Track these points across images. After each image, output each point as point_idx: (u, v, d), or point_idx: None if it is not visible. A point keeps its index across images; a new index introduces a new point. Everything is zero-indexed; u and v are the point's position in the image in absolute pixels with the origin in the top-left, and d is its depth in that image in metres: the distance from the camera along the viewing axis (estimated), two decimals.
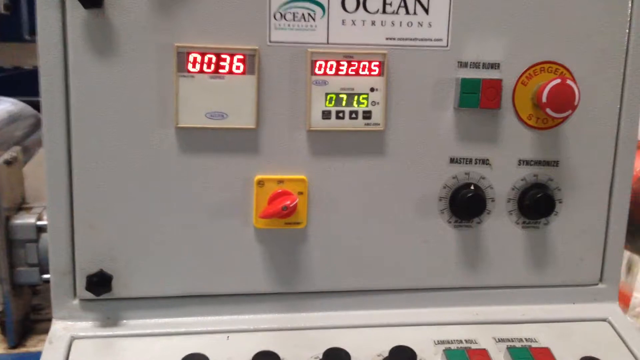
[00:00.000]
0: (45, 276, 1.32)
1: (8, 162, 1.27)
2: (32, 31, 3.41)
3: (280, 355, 0.67)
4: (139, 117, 0.69)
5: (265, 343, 0.69)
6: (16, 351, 1.30)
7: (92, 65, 0.67)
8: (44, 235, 1.29)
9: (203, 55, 0.68)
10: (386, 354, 0.69)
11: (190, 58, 0.68)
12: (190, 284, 0.73)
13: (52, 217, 0.70)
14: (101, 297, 0.71)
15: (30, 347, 1.32)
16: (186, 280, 0.73)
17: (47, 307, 1.41)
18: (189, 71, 0.68)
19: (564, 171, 0.76)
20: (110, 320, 0.72)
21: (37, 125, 2.43)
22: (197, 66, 0.68)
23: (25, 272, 1.29)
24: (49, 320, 1.41)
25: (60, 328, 0.71)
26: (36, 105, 2.54)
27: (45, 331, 1.37)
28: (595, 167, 0.77)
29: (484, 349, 0.72)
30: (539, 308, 0.79)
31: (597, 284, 0.81)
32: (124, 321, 0.72)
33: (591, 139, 0.76)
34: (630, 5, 0.73)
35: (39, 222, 1.29)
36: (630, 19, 0.74)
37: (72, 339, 0.70)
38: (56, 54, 0.67)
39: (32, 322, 1.37)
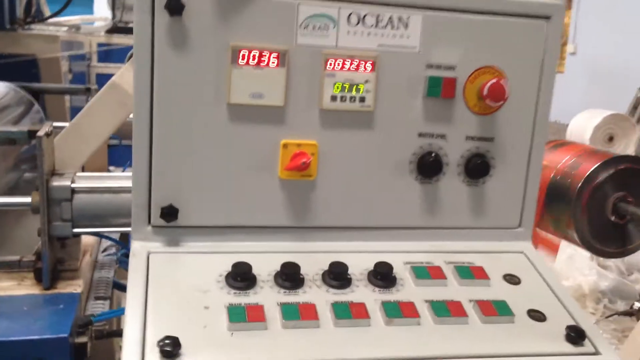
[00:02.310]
0: (76, 230, 1.56)
1: (48, 134, 1.51)
2: (13, 20, 3.55)
3: (299, 266, 0.96)
4: (202, 95, 0.96)
5: (287, 259, 0.98)
6: (49, 292, 1.54)
7: (171, 57, 0.94)
8: (76, 196, 1.54)
9: (249, 52, 0.96)
10: (372, 267, 0.99)
11: (241, 54, 0.96)
12: (233, 218, 1.01)
13: (136, 166, 0.96)
14: (169, 224, 0.98)
15: (60, 289, 1.56)
16: (230, 215, 1.00)
17: (69, 260, 1.65)
18: (238, 63, 0.96)
19: (497, 145, 1.07)
20: (175, 242, 0.99)
21: (29, 107, 2.63)
22: (245, 60, 0.96)
23: (60, 226, 1.52)
24: (72, 270, 1.67)
25: (138, 246, 0.98)
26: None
27: (69, 278, 1.62)
28: (518, 143, 1.08)
29: (438, 266, 1.02)
30: (476, 243, 1.09)
31: (517, 228, 1.12)
32: (185, 243, 0.99)
33: (516, 122, 1.07)
34: (545, 29, 1.05)
35: (72, 184, 1.53)
36: (546, 37, 1.05)
37: (149, 253, 0.97)
38: (146, 48, 0.93)
39: (58, 271, 1.60)
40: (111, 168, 2.88)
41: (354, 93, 1.00)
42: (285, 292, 0.93)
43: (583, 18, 13.03)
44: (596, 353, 0.92)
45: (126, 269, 2.24)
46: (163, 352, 0.80)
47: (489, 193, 1.08)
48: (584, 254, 3.88)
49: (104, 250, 2.08)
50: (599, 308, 4.60)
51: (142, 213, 0.98)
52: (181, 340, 0.81)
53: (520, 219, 1.11)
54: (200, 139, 0.97)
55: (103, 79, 5.01)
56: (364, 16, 0.98)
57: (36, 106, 2.66)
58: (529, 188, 1.10)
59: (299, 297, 0.93)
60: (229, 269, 0.94)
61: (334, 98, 1.00)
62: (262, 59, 0.96)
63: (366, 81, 1.00)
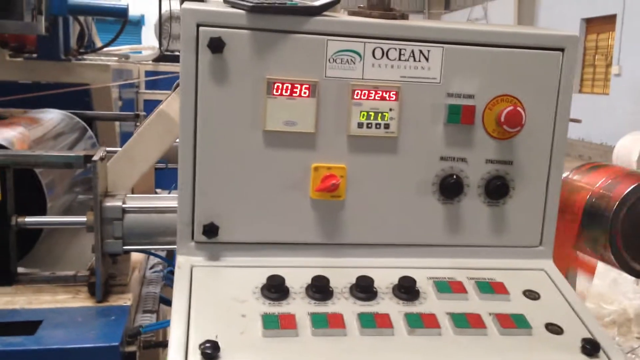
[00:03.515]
0: (126, 247, 1.68)
1: (102, 159, 1.64)
2: (67, 51, 3.77)
3: (329, 279, 1.04)
4: (240, 123, 1.06)
5: (318, 273, 1.06)
6: (102, 305, 1.65)
7: (213, 89, 1.05)
8: (127, 215, 1.66)
9: (283, 84, 1.06)
10: (396, 282, 1.06)
11: (275, 86, 1.06)
12: (268, 235, 1.10)
13: (182, 187, 1.07)
14: (211, 240, 1.08)
15: (111, 302, 1.67)
16: (266, 232, 1.10)
17: (119, 275, 1.77)
18: (273, 94, 1.06)
19: (516, 168, 1.14)
20: (215, 256, 1.09)
21: (83, 133, 2.80)
22: (279, 91, 1.06)
23: (112, 244, 1.65)
24: (122, 285, 1.79)
25: (183, 260, 1.07)
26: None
27: (120, 292, 1.74)
28: (537, 165, 1.14)
29: (460, 281, 1.09)
30: (497, 261, 1.15)
31: (537, 246, 1.18)
32: (225, 258, 1.09)
33: (534, 147, 1.14)
34: (560, 60, 1.12)
35: (124, 205, 1.66)
36: (561, 67, 1.12)
37: (192, 266, 1.07)
38: (191, 81, 1.04)
39: (110, 286, 1.72)
40: (158, 190, 3.03)
41: (379, 120, 1.08)
42: (315, 303, 1.01)
43: (627, 39, 12.87)
44: None
45: (171, 286, 2.36)
46: (204, 354, 0.89)
47: (509, 213, 1.15)
48: (628, 278, 3.84)
49: (152, 267, 2.21)
50: None
51: (186, 230, 1.08)
52: (220, 344, 0.90)
53: (541, 237, 1.17)
54: (239, 162, 1.07)
55: (150, 105, 5.23)
56: (388, 50, 1.07)
57: (89, 132, 2.84)
58: (548, 208, 1.16)
59: (327, 307, 1.01)
60: (264, 281, 1.03)
61: (360, 125, 1.08)
62: (295, 90, 1.06)
63: (390, 109, 1.08)
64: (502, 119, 1.08)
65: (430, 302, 1.04)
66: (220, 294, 1.02)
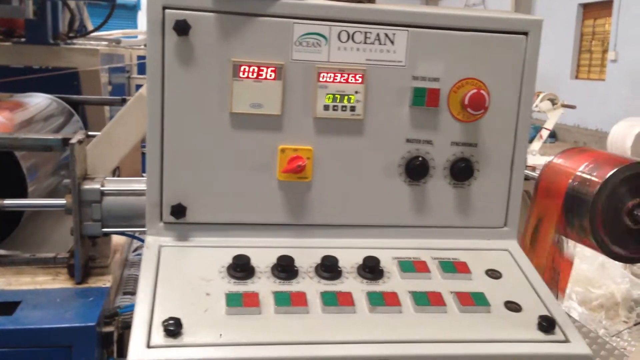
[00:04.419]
0: (105, 230, 1.70)
1: (80, 142, 1.65)
2: (56, 35, 3.76)
3: (294, 259, 1.06)
4: (207, 106, 1.07)
5: (284, 253, 1.08)
6: (81, 286, 1.67)
7: (179, 72, 1.06)
8: (105, 198, 1.67)
9: (249, 66, 1.07)
10: (361, 262, 1.08)
11: (241, 68, 1.07)
12: (235, 215, 1.12)
13: (150, 169, 1.08)
14: (179, 221, 1.10)
15: (91, 283, 1.69)
16: (233, 213, 1.11)
17: (99, 257, 1.78)
18: (239, 77, 1.07)
19: (480, 150, 1.15)
20: (183, 237, 1.10)
21: (69, 117, 2.80)
22: (245, 73, 1.07)
23: (90, 226, 1.66)
24: (102, 267, 1.80)
25: (151, 240, 1.09)
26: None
27: (100, 274, 1.75)
28: (501, 148, 1.16)
29: (424, 261, 1.11)
30: (463, 241, 1.17)
31: (502, 227, 1.20)
32: (193, 238, 1.11)
33: (498, 129, 1.15)
34: (524, 44, 1.13)
35: (102, 187, 1.67)
36: (525, 51, 1.13)
37: (160, 246, 1.08)
38: (158, 63, 1.05)
39: (89, 268, 1.74)
40: (144, 174, 3.03)
41: (345, 103, 1.10)
42: (280, 282, 1.03)
43: (624, 25, 12.82)
44: (566, 341, 0.99)
45: None
46: (167, 331, 0.91)
47: (474, 194, 1.17)
48: (616, 262, 3.88)
49: (134, 250, 2.23)
50: (631, 316, 4.55)
51: (155, 211, 1.09)
52: (183, 321, 0.92)
53: (506, 218, 1.19)
54: (206, 144, 1.08)
55: None
56: (353, 33, 1.08)
57: (76, 116, 2.84)
58: (513, 190, 1.18)
59: (292, 286, 1.03)
60: (231, 261, 1.05)
61: (326, 107, 1.10)
62: (261, 72, 1.07)
63: (356, 92, 1.10)
64: (467, 102, 1.10)
65: (394, 281, 1.06)
66: (187, 273, 1.04)
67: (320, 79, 1.09)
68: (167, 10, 1.04)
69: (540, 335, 0.99)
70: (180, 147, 1.08)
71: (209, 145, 1.09)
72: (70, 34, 3.90)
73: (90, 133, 1.87)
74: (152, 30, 1.04)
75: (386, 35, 1.09)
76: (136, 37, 6.84)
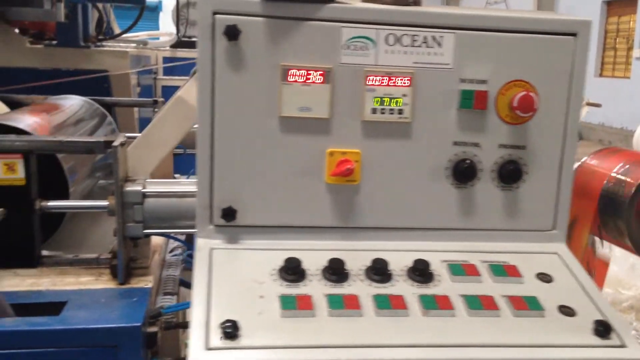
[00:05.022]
0: (146, 231, 1.72)
1: (122, 144, 1.67)
2: (86, 38, 3.81)
3: (345, 261, 1.06)
4: (256, 109, 1.08)
5: (333, 256, 1.08)
6: (123, 287, 1.70)
7: (229, 76, 1.07)
8: (147, 200, 1.69)
9: (298, 70, 1.07)
10: (411, 264, 1.09)
11: (290, 72, 1.08)
12: (285, 218, 1.12)
13: (200, 172, 1.09)
14: (229, 224, 1.11)
15: (133, 284, 1.72)
16: (282, 216, 1.12)
17: (140, 258, 1.81)
18: (288, 81, 1.08)
19: (529, 152, 1.15)
20: (234, 239, 1.12)
21: (103, 118, 2.84)
22: (294, 77, 1.08)
23: (133, 227, 1.68)
24: (143, 268, 1.83)
25: (202, 243, 1.11)
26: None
27: (141, 275, 1.78)
28: (550, 150, 1.15)
29: (473, 264, 1.11)
30: (511, 244, 1.17)
31: (550, 230, 1.19)
32: (243, 240, 1.12)
33: (547, 131, 1.14)
34: (573, 45, 1.12)
35: (144, 189, 1.69)
36: (574, 52, 1.13)
37: (211, 249, 1.10)
38: (208, 68, 1.06)
39: (131, 268, 1.76)
40: (176, 175, 3.07)
41: (392, 106, 1.10)
42: (331, 284, 1.04)
43: None
44: (622, 346, 0.98)
45: (190, 269, 2.40)
46: (225, 333, 0.92)
47: (523, 197, 1.16)
48: None
49: (171, 250, 2.25)
50: None
51: (205, 214, 1.11)
52: (240, 324, 0.93)
53: (554, 221, 1.18)
54: (255, 148, 1.09)
55: (168, 91, 5.26)
56: (401, 36, 1.09)
57: (109, 118, 2.88)
58: (561, 192, 1.17)
59: (343, 289, 1.03)
60: (282, 263, 1.06)
61: (374, 110, 1.10)
62: (309, 76, 1.08)
63: (403, 95, 1.10)
64: (515, 104, 1.09)
65: (444, 284, 1.06)
66: (239, 275, 1.05)
67: (368, 83, 1.09)
68: (217, 16, 1.05)
69: (596, 340, 0.98)
70: (230, 150, 1.09)
71: (259, 148, 1.09)
72: (100, 37, 3.95)
73: (126, 135, 1.90)
74: (203, 35, 1.05)
75: (433, 37, 1.09)
76: (159, 38, 6.89)
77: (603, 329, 0.99)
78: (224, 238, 1.11)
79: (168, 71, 5.72)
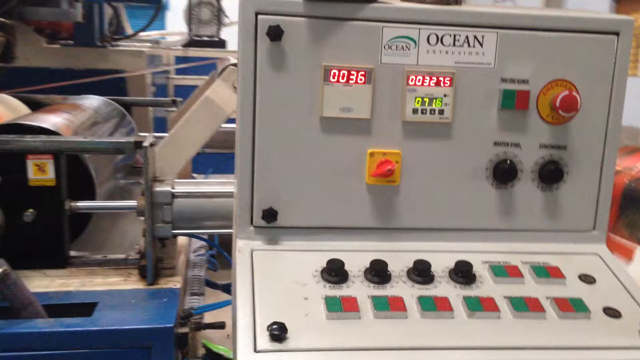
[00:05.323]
0: (175, 231, 1.72)
1: (152, 145, 1.68)
2: (102, 37, 3.81)
3: (387, 263, 1.06)
4: (298, 110, 1.08)
5: (375, 257, 1.08)
6: (152, 287, 1.70)
7: (271, 76, 1.06)
8: (176, 200, 1.70)
9: (339, 70, 1.07)
10: (452, 266, 1.08)
11: (332, 73, 1.07)
12: (325, 219, 1.12)
13: (241, 173, 1.09)
14: (270, 225, 1.10)
15: (162, 284, 1.72)
16: (323, 217, 1.12)
17: (167, 258, 1.81)
18: (330, 81, 1.07)
19: (570, 153, 1.14)
20: (274, 240, 1.11)
21: (122, 118, 2.84)
22: (336, 78, 1.07)
23: (162, 228, 1.69)
24: (170, 268, 1.83)
25: (242, 244, 1.10)
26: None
27: (169, 275, 1.78)
28: (591, 150, 1.14)
29: (515, 266, 1.10)
30: (551, 245, 1.16)
31: (591, 231, 1.18)
32: (284, 242, 1.11)
33: (588, 131, 1.14)
34: (615, 44, 1.11)
35: (173, 190, 1.70)
36: (616, 52, 1.12)
37: (252, 250, 1.09)
38: (250, 68, 1.06)
39: (158, 269, 1.77)
40: (194, 175, 3.07)
41: (433, 106, 1.09)
42: (374, 286, 1.03)
43: None
44: None
45: (212, 269, 2.40)
46: (272, 336, 0.92)
47: (563, 198, 1.15)
48: None
49: (195, 251, 2.26)
50: None
51: (246, 215, 1.10)
52: (287, 326, 0.93)
53: (595, 222, 1.17)
54: (297, 148, 1.09)
55: (181, 90, 5.26)
56: (442, 36, 1.08)
57: (128, 117, 2.89)
58: (602, 193, 1.16)
59: (387, 291, 1.03)
60: (324, 264, 1.05)
61: (415, 111, 1.09)
62: (351, 77, 1.07)
63: (444, 95, 1.09)
64: (558, 104, 1.08)
65: (487, 286, 1.06)
66: (282, 277, 1.05)
67: (409, 83, 1.08)
68: (260, 16, 1.04)
69: None
70: (271, 151, 1.09)
71: (300, 149, 1.09)
72: (115, 36, 3.95)
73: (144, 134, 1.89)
74: (245, 35, 1.05)
75: (475, 37, 1.09)
76: (166, 38, 6.89)
77: None
78: (265, 239, 1.11)
79: (179, 70, 5.72)
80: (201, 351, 2.33)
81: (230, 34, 7.24)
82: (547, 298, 1.03)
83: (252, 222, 1.11)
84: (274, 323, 0.93)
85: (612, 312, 1.02)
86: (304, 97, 1.07)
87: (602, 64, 1.12)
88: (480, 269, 1.09)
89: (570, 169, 1.14)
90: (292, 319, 0.95)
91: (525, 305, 1.01)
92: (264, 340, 0.92)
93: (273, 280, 1.04)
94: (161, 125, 4.00)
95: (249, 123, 1.08)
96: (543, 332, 0.98)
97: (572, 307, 1.02)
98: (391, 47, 1.08)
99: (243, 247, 1.09)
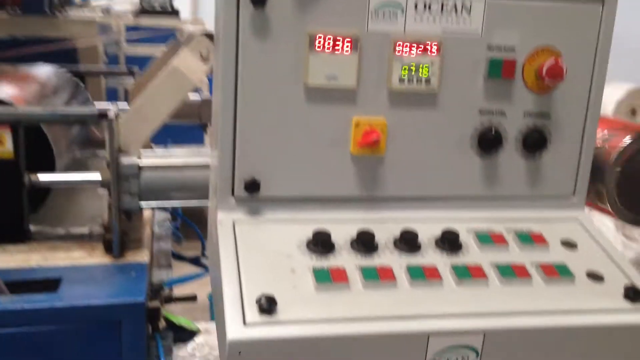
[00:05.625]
0: (142, 204, 1.67)
1: (117, 115, 1.61)
2: (52, 5, 3.64)
3: (373, 233, 1.05)
4: (282, 78, 1.04)
5: (361, 227, 1.06)
6: (119, 261, 1.65)
7: (254, 44, 1.02)
8: (143, 172, 1.64)
9: (325, 38, 1.04)
10: (439, 234, 1.08)
11: (317, 40, 1.04)
12: (309, 190, 1.09)
13: (222, 143, 1.05)
14: (252, 196, 1.07)
15: (129, 258, 1.67)
16: (307, 187, 1.09)
17: (132, 232, 1.76)
18: (315, 49, 1.04)
19: (553, 121, 1.14)
20: (257, 212, 1.08)
21: (76, 88, 2.73)
22: (321, 46, 1.04)
23: (128, 201, 1.63)
24: (137, 241, 1.78)
25: (224, 217, 1.07)
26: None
27: (135, 249, 1.73)
28: (573, 118, 1.15)
29: (500, 233, 1.11)
30: (533, 211, 1.17)
31: (571, 196, 1.20)
32: (266, 213, 1.08)
33: (572, 100, 1.14)
34: (600, 12, 1.12)
35: (139, 162, 1.64)
36: (601, 21, 1.12)
37: (234, 222, 1.06)
38: (231, 36, 1.01)
39: (125, 242, 1.71)
40: (153, 145, 2.98)
41: (420, 75, 1.08)
42: (361, 256, 1.02)
43: None
44: None
45: (177, 242, 2.36)
46: (262, 309, 0.90)
47: (545, 165, 1.16)
48: (609, 225, 3.94)
49: (159, 223, 2.20)
50: None
51: (227, 186, 1.07)
52: (276, 298, 0.91)
53: (574, 189, 1.19)
54: (280, 118, 1.06)
55: (133, 60, 5.08)
56: (430, 4, 1.06)
57: (82, 87, 2.77)
58: (582, 160, 1.17)
59: (375, 261, 1.02)
60: (309, 236, 1.03)
61: (401, 80, 1.07)
62: (337, 44, 1.04)
63: (431, 64, 1.08)
64: (544, 72, 1.08)
65: (474, 254, 1.06)
66: (266, 249, 1.02)
67: (396, 51, 1.06)
68: None
69: (628, 305, 1.00)
70: (253, 120, 1.05)
71: (283, 118, 1.06)
72: (64, 4, 3.78)
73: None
74: (227, 2, 1.00)
75: (463, 5, 1.07)
76: (115, 7, 6.64)
77: (633, 294, 1.00)
78: (247, 211, 1.08)
79: (132, 40, 5.54)
80: (162, 324, 2.30)
81: (182, 3, 7.02)
82: (532, 264, 1.05)
83: (233, 194, 1.08)
84: (263, 296, 0.91)
85: (595, 277, 1.04)
86: (289, 66, 1.04)
87: (587, 32, 1.12)
88: (466, 237, 1.09)
89: (553, 137, 1.15)
90: (280, 291, 0.93)
91: (512, 272, 1.02)
92: (252, 314, 0.90)
93: (258, 253, 1.01)
94: (114, 96, 3.87)
95: (231, 92, 1.04)
96: (530, 297, 0.99)
97: (557, 272, 1.03)
98: (378, 15, 1.05)
99: (224, 220, 1.06)
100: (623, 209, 1.36)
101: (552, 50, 1.11)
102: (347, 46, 1.04)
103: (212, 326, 2.57)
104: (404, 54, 1.07)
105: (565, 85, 1.12)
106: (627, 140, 1.34)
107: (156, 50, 4.03)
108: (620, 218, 1.38)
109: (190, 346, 2.44)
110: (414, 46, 1.07)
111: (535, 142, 1.13)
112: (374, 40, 1.06)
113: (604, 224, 3.95)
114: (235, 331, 0.88)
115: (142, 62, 3.51)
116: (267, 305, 0.90)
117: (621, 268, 1.07)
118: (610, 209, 1.38)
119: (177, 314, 2.47)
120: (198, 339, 2.40)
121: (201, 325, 2.45)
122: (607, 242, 1.12)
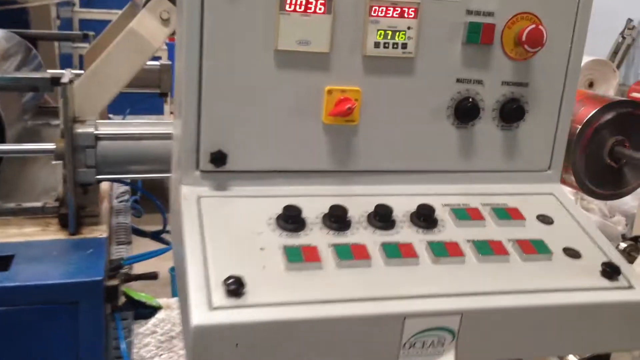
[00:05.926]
0: (99, 177, 1.58)
1: (71, 81, 1.50)
2: None
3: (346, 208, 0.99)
4: (250, 42, 0.97)
5: (333, 202, 1.01)
6: (76, 237, 1.56)
7: (220, 4, 0.94)
8: (100, 142, 1.55)
9: None
10: (414, 209, 1.03)
11: (288, 0, 0.96)
12: (279, 162, 1.03)
13: (186, 112, 0.97)
14: (218, 169, 1.00)
15: (86, 234, 1.58)
16: (277, 159, 1.03)
17: (89, 206, 1.66)
18: (286, 10, 0.96)
19: (531, 90, 1.10)
20: (223, 186, 1.01)
21: (27, 53, 2.58)
22: (293, 6, 0.96)
23: (84, 173, 1.54)
24: (94, 216, 1.69)
25: (188, 191, 1.00)
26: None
27: (93, 224, 1.65)
28: (551, 88, 1.11)
29: (476, 208, 1.07)
30: (509, 185, 1.13)
31: (546, 170, 1.16)
32: (234, 187, 1.02)
33: (550, 69, 1.10)
34: None
35: (96, 132, 1.54)
36: None
37: (199, 197, 0.99)
38: None
39: (81, 217, 1.62)
40: (110, 116, 2.86)
41: (396, 39, 1.01)
42: (334, 233, 0.97)
43: None
44: (630, 287, 0.98)
45: (137, 216, 2.27)
46: (229, 291, 0.84)
47: (522, 137, 1.12)
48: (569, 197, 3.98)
49: (117, 197, 2.11)
50: None
51: (191, 158, 1.00)
52: (244, 280, 0.85)
53: (550, 161, 1.15)
54: (248, 85, 0.98)
55: (87, 24, 4.87)
56: None
57: (34, 52, 2.62)
58: (559, 132, 1.14)
59: (348, 238, 0.97)
60: (279, 211, 0.97)
61: (377, 44, 1.01)
62: (309, 5, 0.97)
63: (408, 27, 1.01)
64: (524, 38, 1.03)
65: (450, 230, 1.02)
66: (234, 226, 0.96)
67: (372, 13, 1.00)
68: None
69: (605, 282, 0.97)
70: (220, 88, 0.98)
71: (252, 86, 0.99)
72: None
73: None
74: None
75: None
76: None
77: (611, 271, 0.98)
78: (213, 185, 1.01)
79: (85, 3, 5.32)
80: (121, 300, 2.22)
81: None
82: (509, 240, 1.01)
83: (198, 167, 1.00)
84: (230, 277, 0.85)
85: (572, 253, 1.01)
86: (258, 29, 0.96)
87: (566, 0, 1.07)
88: (441, 212, 1.05)
89: (531, 107, 1.11)
90: (248, 271, 0.87)
91: (489, 249, 0.98)
92: (219, 296, 0.84)
93: (225, 230, 0.95)
94: (68, 63, 3.69)
95: (195, 58, 0.96)
96: (508, 276, 0.96)
97: (535, 248, 1.00)
98: None
99: (189, 194, 0.99)
100: (588, 183, 1.34)
101: (532, 16, 1.06)
102: (321, 7, 0.97)
103: (173, 301, 2.51)
104: (380, 17, 1.00)
105: (544, 53, 1.07)
106: (595, 111, 1.31)
107: (112, 14, 3.86)
108: (584, 191, 1.36)
109: (152, 322, 2.38)
110: (390, 9, 1.00)
111: (512, 113, 1.09)
112: (348, 1, 0.99)
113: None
114: (200, 316, 0.82)
115: (97, 26, 3.35)
116: (235, 287, 0.84)
117: (597, 244, 1.04)
118: (574, 183, 1.36)
119: (137, 289, 2.40)
120: (159, 315, 2.35)
121: (162, 301, 2.38)
122: (582, 217, 1.09)
